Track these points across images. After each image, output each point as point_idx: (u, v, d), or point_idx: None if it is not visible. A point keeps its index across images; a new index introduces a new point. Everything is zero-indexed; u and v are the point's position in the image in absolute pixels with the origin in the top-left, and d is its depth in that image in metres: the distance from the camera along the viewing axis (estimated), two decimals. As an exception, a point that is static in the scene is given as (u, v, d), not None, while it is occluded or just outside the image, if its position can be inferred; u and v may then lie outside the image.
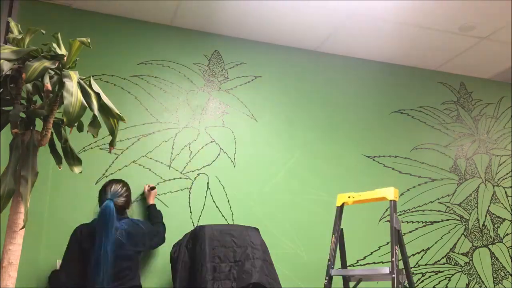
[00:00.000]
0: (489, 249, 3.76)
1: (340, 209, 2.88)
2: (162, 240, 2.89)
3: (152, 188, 3.03)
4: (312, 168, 3.50)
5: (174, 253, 2.83)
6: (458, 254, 3.67)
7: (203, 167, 3.26)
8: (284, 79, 3.65)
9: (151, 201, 3.00)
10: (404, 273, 2.58)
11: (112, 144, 1.89)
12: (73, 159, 1.89)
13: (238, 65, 3.57)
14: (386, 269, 2.52)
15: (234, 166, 3.33)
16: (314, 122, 3.61)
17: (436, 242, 3.64)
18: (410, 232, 3.60)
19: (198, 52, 3.50)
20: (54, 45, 1.77)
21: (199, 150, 3.29)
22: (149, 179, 3.11)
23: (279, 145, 3.48)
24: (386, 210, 3.56)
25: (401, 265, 2.58)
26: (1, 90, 1.71)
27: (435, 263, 3.60)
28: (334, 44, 3.70)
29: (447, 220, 3.72)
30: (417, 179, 3.75)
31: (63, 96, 1.63)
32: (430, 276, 3.55)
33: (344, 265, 2.93)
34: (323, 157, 3.55)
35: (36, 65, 1.63)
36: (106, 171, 3.05)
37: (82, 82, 1.76)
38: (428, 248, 3.61)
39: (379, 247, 3.48)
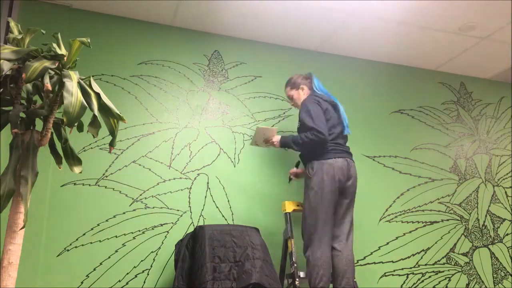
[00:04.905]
0: (489, 249, 3.76)
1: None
2: None
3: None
4: (312, 168, 3.49)
5: (176, 252, 2.83)
6: (458, 254, 3.67)
7: (203, 167, 3.26)
8: (284, 79, 3.64)
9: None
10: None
11: (112, 144, 1.89)
12: (73, 159, 1.89)
13: (238, 65, 3.57)
14: None
15: (234, 166, 3.33)
16: (314, 122, 3.60)
17: (436, 242, 3.64)
18: (410, 232, 3.60)
19: (198, 52, 3.50)
20: (54, 45, 1.77)
21: (199, 150, 3.29)
22: (149, 179, 3.11)
23: (279, 145, 3.47)
24: (386, 210, 3.56)
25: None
26: (1, 90, 1.72)
27: (435, 263, 3.60)
28: (334, 44, 3.70)
29: (447, 220, 3.72)
30: (417, 179, 3.75)
31: (63, 96, 1.63)
32: (430, 276, 3.55)
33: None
34: (323, 157, 3.54)
35: (36, 65, 1.64)
36: (106, 171, 3.05)
37: (82, 82, 1.76)
38: (428, 248, 3.61)
39: (379, 247, 3.48)
